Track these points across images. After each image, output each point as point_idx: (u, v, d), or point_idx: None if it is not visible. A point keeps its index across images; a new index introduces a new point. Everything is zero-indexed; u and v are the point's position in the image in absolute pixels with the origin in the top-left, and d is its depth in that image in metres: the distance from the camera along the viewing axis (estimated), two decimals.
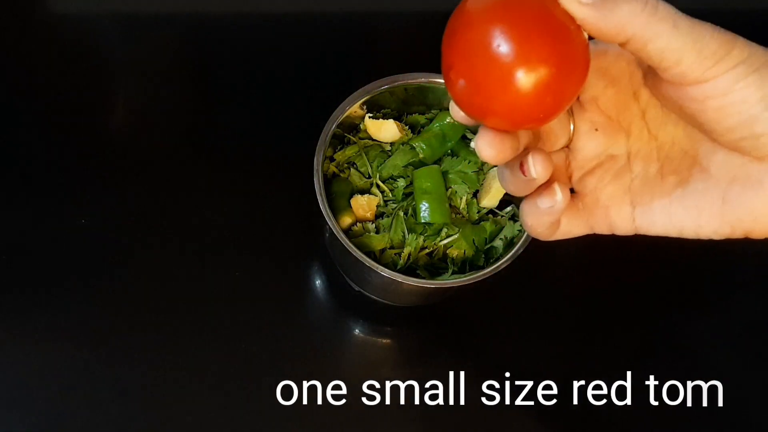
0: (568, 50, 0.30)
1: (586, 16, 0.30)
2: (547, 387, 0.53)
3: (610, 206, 0.36)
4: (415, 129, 0.52)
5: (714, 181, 0.34)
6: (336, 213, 0.48)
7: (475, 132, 0.52)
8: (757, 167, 0.32)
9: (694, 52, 0.30)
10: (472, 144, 0.51)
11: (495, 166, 0.49)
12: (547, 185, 0.35)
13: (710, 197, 0.34)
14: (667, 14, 0.30)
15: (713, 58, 0.30)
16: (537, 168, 0.34)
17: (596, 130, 0.37)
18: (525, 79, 0.29)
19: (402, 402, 0.52)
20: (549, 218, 0.36)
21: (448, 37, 0.31)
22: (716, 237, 0.34)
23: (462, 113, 0.34)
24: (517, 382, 0.53)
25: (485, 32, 0.30)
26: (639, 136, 0.36)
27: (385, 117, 0.51)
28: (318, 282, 0.56)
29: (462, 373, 0.53)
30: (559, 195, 0.34)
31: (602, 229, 0.37)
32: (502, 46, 0.29)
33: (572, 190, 0.38)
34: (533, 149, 0.35)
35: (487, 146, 0.33)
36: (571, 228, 0.37)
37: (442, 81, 0.49)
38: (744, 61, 0.30)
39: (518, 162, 0.35)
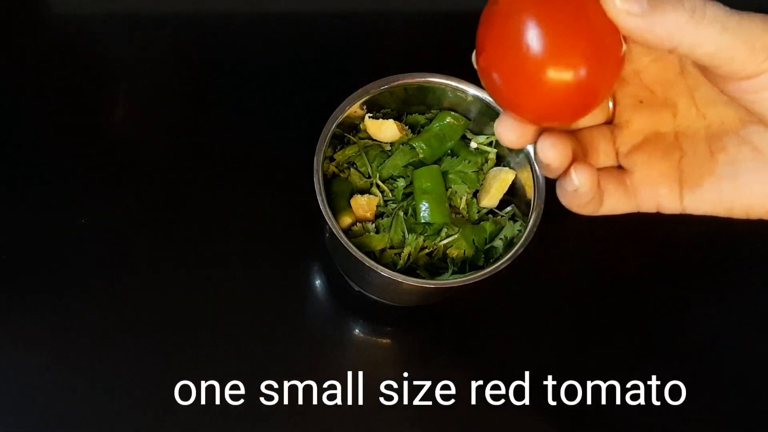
0: (602, 51, 0.30)
1: (633, 27, 0.30)
2: (549, 386, 0.53)
3: (658, 184, 0.35)
4: (415, 129, 0.52)
5: (764, 161, 0.33)
6: (336, 213, 0.48)
7: (475, 133, 0.52)
8: None
9: (746, 50, 0.29)
10: (473, 144, 0.51)
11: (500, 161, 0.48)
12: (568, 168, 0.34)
13: (762, 177, 0.33)
14: (715, 17, 0.29)
15: (765, 51, 0.30)
16: (547, 154, 0.33)
17: (641, 102, 0.36)
18: (555, 77, 0.29)
19: (402, 402, 0.52)
20: (578, 200, 0.35)
21: (483, 25, 0.31)
22: (766, 216, 0.34)
23: (511, 137, 0.34)
24: (518, 382, 0.53)
25: (518, 25, 0.29)
26: (686, 114, 0.35)
27: (385, 117, 0.51)
28: (318, 282, 0.56)
29: (462, 373, 0.53)
30: (575, 180, 0.33)
31: (649, 207, 0.36)
32: (534, 41, 0.29)
33: (620, 167, 0.37)
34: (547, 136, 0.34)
35: (508, 131, 0.33)
36: (617, 205, 0.36)
37: (442, 81, 0.49)
38: None
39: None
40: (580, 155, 0.36)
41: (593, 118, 0.36)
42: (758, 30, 0.29)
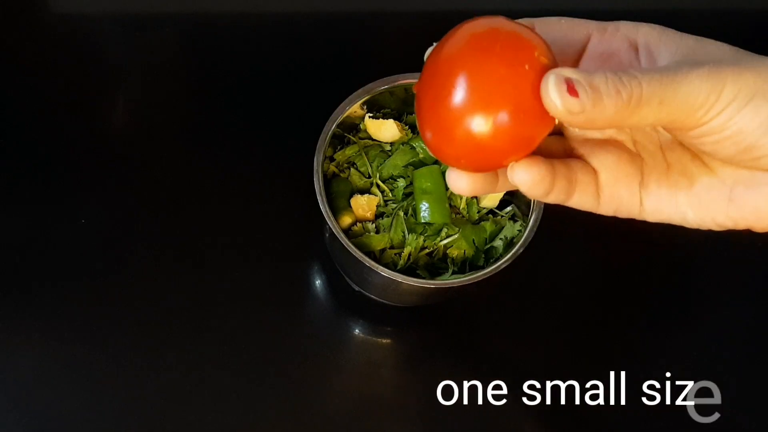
0: (525, 106, 0.30)
1: (575, 122, 0.30)
2: (549, 386, 0.53)
3: (621, 187, 0.35)
4: (415, 129, 0.52)
5: (719, 181, 0.34)
6: (336, 213, 0.48)
7: None
8: (761, 173, 0.33)
9: (685, 111, 0.30)
10: None
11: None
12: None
13: (716, 194, 0.34)
14: (652, 94, 0.29)
15: (704, 107, 0.30)
16: (520, 178, 0.33)
17: None
18: (478, 127, 0.29)
19: (402, 402, 0.52)
20: (529, 193, 0.34)
21: (418, 83, 0.32)
22: (718, 229, 0.35)
23: (460, 185, 0.34)
24: (518, 382, 0.53)
25: (446, 80, 0.30)
26: (642, 130, 0.36)
27: (385, 117, 0.51)
28: (318, 282, 0.56)
29: (462, 373, 0.53)
30: (514, 178, 0.33)
31: (608, 209, 0.36)
32: (457, 93, 0.29)
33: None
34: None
35: (456, 180, 0.34)
36: (584, 201, 0.36)
37: None
38: (735, 97, 0.30)
39: None
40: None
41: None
42: (696, 89, 0.30)
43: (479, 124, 0.29)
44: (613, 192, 0.35)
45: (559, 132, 0.37)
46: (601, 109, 0.29)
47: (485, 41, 0.30)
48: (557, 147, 0.36)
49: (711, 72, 0.30)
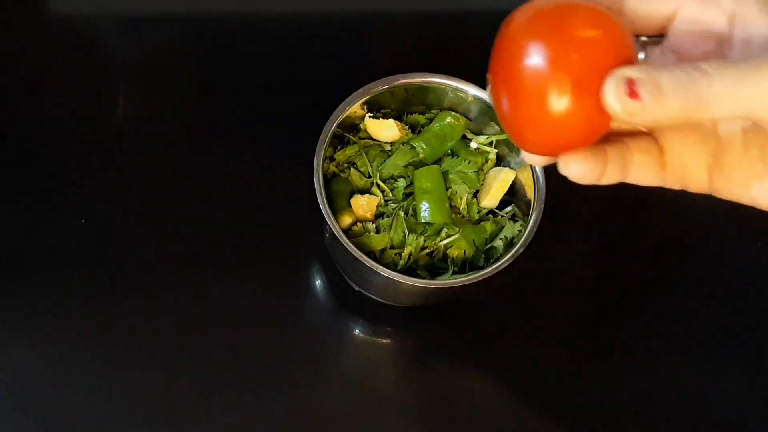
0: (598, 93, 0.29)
1: (637, 122, 0.29)
2: (549, 386, 0.53)
3: (689, 166, 0.34)
4: (415, 129, 0.52)
5: None
6: (336, 213, 0.48)
7: (475, 133, 0.52)
8: None
9: (766, 105, 0.28)
10: (473, 144, 0.51)
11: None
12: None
13: None
14: (724, 89, 0.28)
15: None
16: (571, 170, 0.33)
17: None
18: (558, 110, 0.29)
19: (402, 402, 0.52)
20: (583, 180, 0.34)
21: (494, 51, 0.31)
22: None
23: (536, 158, 0.34)
24: (519, 382, 0.53)
25: (528, 58, 0.29)
26: None
27: (385, 117, 0.51)
28: (318, 282, 0.56)
29: (462, 373, 0.53)
30: (564, 170, 0.33)
31: (675, 185, 0.35)
32: (536, 72, 0.29)
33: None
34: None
35: (532, 156, 0.34)
36: (645, 177, 0.35)
37: (442, 81, 0.49)
38: None
39: None
40: None
41: None
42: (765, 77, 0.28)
43: (554, 111, 0.29)
44: (679, 170, 0.35)
45: None
46: (666, 108, 0.28)
47: (565, 24, 0.29)
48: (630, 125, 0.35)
49: None
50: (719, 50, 0.32)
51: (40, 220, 0.55)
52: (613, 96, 0.28)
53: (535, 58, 0.29)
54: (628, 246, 0.59)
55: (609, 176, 0.33)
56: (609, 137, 0.34)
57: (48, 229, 0.55)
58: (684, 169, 0.35)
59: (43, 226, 0.55)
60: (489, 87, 0.32)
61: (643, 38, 0.30)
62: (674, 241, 0.59)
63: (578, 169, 0.32)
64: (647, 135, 0.35)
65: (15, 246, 0.54)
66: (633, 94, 0.28)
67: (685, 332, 0.56)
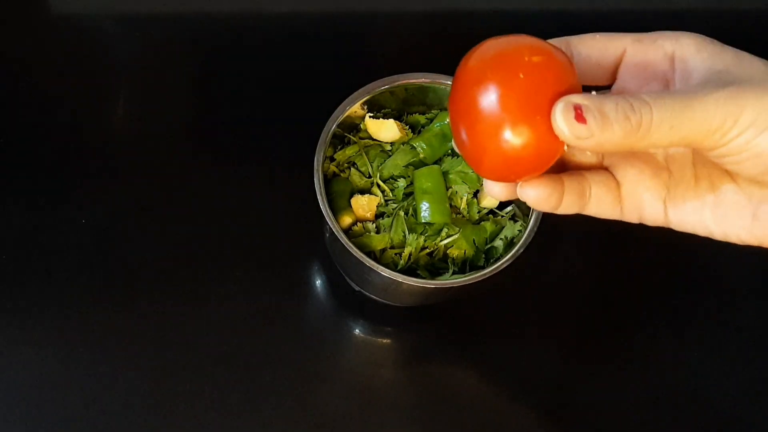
0: (548, 120, 0.31)
1: (584, 146, 0.30)
2: (549, 386, 0.53)
3: (644, 200, 0.36)
4: (416, 129, 0.52)
5: (745, 197, 0.34)
6: (336, 213, 0.48)
7: None
8: None
9: (700, 134, 0.30)
10: None
11: None
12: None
13: (741, 211, 0.34)
14: (662, 120, 0.30)
15: (720, 131, 0.30)
16: (527, 194, 0.35)
17: None
18: (508, 141, 0.31)
19: (402, 402, 0.52)
20: (537, 207, 0.36)
21: (453, 87, 0.33)
22: (741, 243, 0.35)
23: (495, 189, 0.36)
24: (519, 382, 0.53)
25: (483, 91, 0.31)
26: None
27: (386, 117, 0.51)
28: (318, 282, 0.56)
29: (462, 373, 0.53)
30: (521, 195, 0.35)
31: (632, 218, 0.37)
32: (490, 106, 0.31)
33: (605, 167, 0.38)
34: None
35: (492, 187, 0.36)
36: (603, 209, 0.37)
37: (442, 81, 0.49)
38: (754, 122, 0.30)
39: None
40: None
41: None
42: (711, 112, 0.30)
43: (507, 140, 0.31)
44: (634, 203, 0.36)
45: None
46: (610, 134, 0.30)
47: (514, 60, 0.31)
48: (587, 159, 0.37)
49: (731, 96, 0.30)
50: (664, 90, 0.34)
51: (40, 220, 0.55)
52: (561, 120, 0.30)
53: (488, 93, 0.31)
54: (628, 246, 0.59)
55: (566, 206, 0.35)
56: (568, 171, 0.36)
57: (48, 229, 0.55)
58: (639, 202, 0.36)
59: (43, 226, 0.55)
60: (448, 120, 0.35)
61: (593, 92, 0.32)
62: (674, 241, 0.59)
63: (534, 194, 0.34)
64: (604, 170, 0.37)
65: (15, 246, 0.54)
66: (580, 118, 0.30)
67: (685, 332, 0.56)
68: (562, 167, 0.37)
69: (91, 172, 0.57)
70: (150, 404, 0.50)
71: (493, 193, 0.37)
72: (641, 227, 0.59)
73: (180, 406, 0.50)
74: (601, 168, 0.37)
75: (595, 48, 0.35)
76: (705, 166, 0.35)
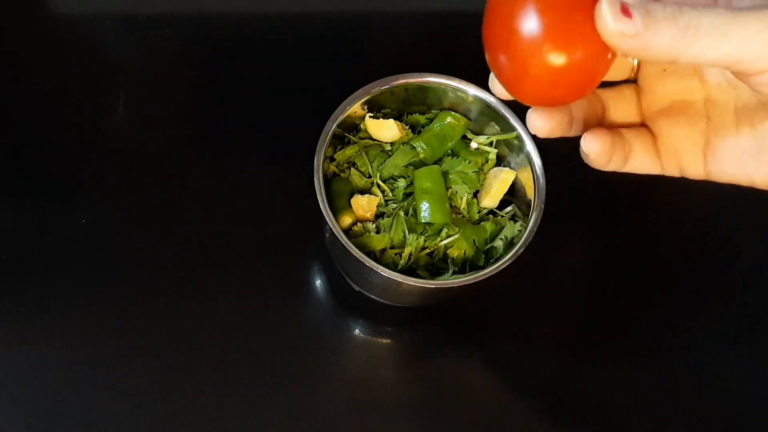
0: (594, 39, 0.30)
1: (628, 47, 0.29)
2: (549, 386, 0.53)
3: (682, 150, 0.36)
4: (416, 129, 0.52)
5: None
6: (336, 213, 0.48)
7: (475, 133, 0.52)
8: None
9: (754, 52, 0.29)
10: (473, 144, 0.51)
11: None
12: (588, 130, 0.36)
13: None
14: (712, 27, 0.29)
15: None
16: (590, 147, 0.35)
17: (664, 71, 0.36)
18: (551, 60, 0.30)
19: (402, 402, 0.52)
20: (594, 164, 0.36)
21: (486, 15, 0.32)
22: None
23: (538, 125, 0.36)
24: (519, 382, 0.53)
25: (521, 9, 0.30)
26: (717, 85, 0.35)
27: (386, 117, 0.51)
28: (318, 282, 0.56)
29: (462, 374, 0.53)
30: (586, 147, 0.35)
31: (673, 171, 0.37)
32: (530, 27, 0.30)
33: (645, 125, 0.38)
34: (588, 128, 0.35)
35: (536, 119, 0.35)
36: (642, 165, 0.37)
37: (442, 81, 0.49)
38: None
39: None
40: (600, 113, 0.37)
41: (614, 73, 0.37)
42: (765, 26, 0.29)
43: (550, 56, 0.30)
44: (673, 156, 0.36)
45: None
46: (657, 34, 0.29)
47: None
48: (625, 118, 0.37)
49: None
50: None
51: (40, 220, 0.55)
52: (608, 12, 0.29)
53: (526, 9, 0.30)
54: (628, 246, 0.59)
55: (615, 162, 0.35)
56: (612, 131, 0.36)
57: (48, 229, 0.55)
58: (678, 154, 0.36)
59: (43, 226, 0.55)
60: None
61: None
62: (674, 241, 0.59)
63: (596, 146, 0.34)
64: (641, 126, 0.37)
65: (15, 246, 0.54)
66: (626, 12, 0.29)
67: (686, 331, 0.56)
68: (600, 126, 0.37)
69: (91, 172, 0.57)
70: (149, 403, 0.50)
71: (536, 127, 0.36)
72: (641, 227, 0.59)
73: (179, 405, 0.50)
74: (637, 125, 0.37)
75: None
76: (747, 111, 0.34)
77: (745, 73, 0.30)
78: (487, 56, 0.33)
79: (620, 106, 0.37)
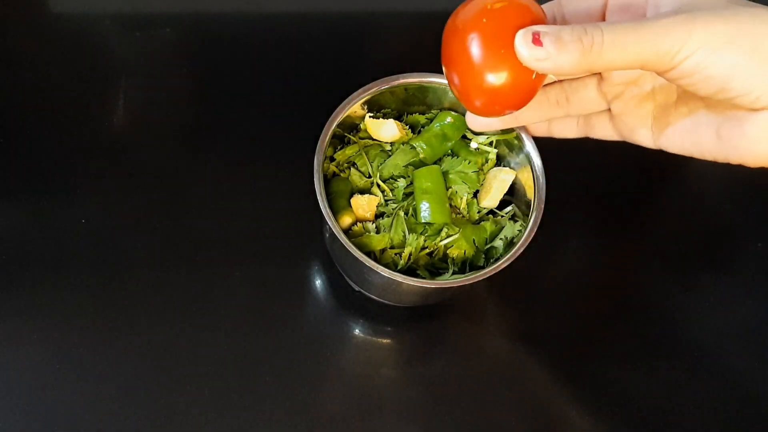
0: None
1: (544, 69, 0.35)
2: (549, 386, 0.53)
3: (635, 127, 0.43)
4: (416, 129, 0.52)
5: (713, 117, 0.38)
6: (336, 213, 0.48)
7: (476, 133, 0.52)
8: (741, 112, 0.36)
9: (653, 56, 0.33)
10: (473, 144, 0.51)
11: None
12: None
13: (708, 131, 0.39)
14: (614, 42, 0.33)
15: (670, 53, 0.33)
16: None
17: None
18: (489, 81, 0.37)
19: (402, 402, 0.52)
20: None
21: (443, 41, 0.39)
22: (718, 161, 0.39)
23: (476, 122, 0.47)
24: (519, 382, 0.53)
25: (465, 41, 0.37)
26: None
27: (386, 117, 0.51)
28: (318, 282, 0.56)
29: (462, 373, 0.53)
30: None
31: (632, 140, 0.44)
32: (474, 53, 0.37)
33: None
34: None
35: (473, 121, 0.46)
36: (605, 132, 0.45)
37: (442, 81, 0.49)
38: (702, 45, 0.33)
39: None
40: (563, 104, 0.44)
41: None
42: (660, 37, 0.33)
43: (486, 78, 0.37)
44: (627, 130, 0.43)
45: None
46: (566, 55, 0.34)
47: (480, 10, 0.37)
48: (588, 99, 0.44)
49: (680, 21, 0.33)
50: None
51: (40, 220, 0.55)
52: (521, 44, 0.34)
53: (463, 40, 0.37)
54: (628, 246, 0.59)
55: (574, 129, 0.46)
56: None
57: (48, 229, 0.55)
58: (630, 129, 0.43)
59: (43, 226, 0.55)
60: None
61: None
62: (676, 242, 0.59)
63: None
64: (607, 111, 0.44)
65: (15, 246, 0.54)
66: (537, 41, 0.34)
67: (686, 331, 0.56)
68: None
69: (91, 172, 0.57)
70: (149, 403, 0.50)
71: (474, 125, 0.46)
72: (641, 228, 0.59)
73: (180, 406, 0.50)
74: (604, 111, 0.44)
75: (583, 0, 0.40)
76: (684, 96, 0.40)
77: (656, 72, 0.35)
78: (444, 72, 0.39)
79: (583, 96, 0.44)
